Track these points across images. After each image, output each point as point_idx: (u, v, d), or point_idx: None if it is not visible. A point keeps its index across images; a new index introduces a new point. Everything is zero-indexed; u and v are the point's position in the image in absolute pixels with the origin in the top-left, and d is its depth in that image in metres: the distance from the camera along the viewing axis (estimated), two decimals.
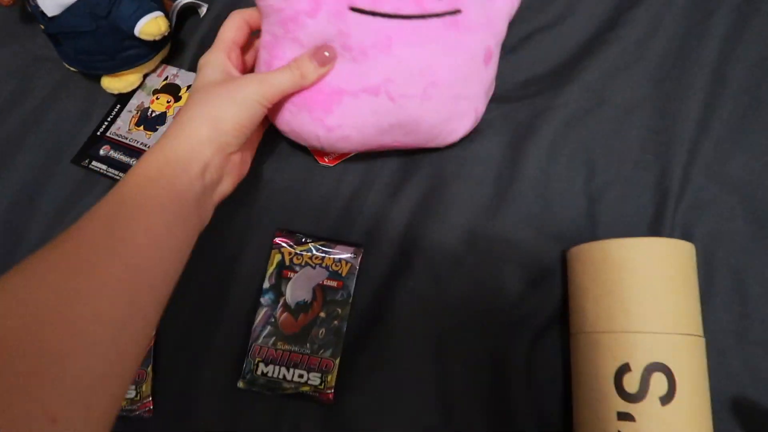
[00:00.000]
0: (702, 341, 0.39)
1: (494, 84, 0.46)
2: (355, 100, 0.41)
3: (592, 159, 0.49)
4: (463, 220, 0.48)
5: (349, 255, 0.46)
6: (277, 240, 0.47)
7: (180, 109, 0.52)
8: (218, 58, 0.42)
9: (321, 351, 0.44)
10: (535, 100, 0.51)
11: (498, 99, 0.49)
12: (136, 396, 0.43)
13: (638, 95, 0.51)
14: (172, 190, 0.35)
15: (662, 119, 0.50)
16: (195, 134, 0.37)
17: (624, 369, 0.37)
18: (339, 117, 0.42)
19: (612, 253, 0.40)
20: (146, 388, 0.44)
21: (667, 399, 0.36)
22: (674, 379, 0.36)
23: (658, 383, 0.36)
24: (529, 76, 0.53)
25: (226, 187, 0.41)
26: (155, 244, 0.33)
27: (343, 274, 0.46)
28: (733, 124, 0.49)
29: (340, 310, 0.45)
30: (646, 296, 0.38)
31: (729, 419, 0.42)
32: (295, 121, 0.43)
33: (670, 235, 0.46)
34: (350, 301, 0.46)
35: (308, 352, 0.44)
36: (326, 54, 0.40)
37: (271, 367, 0.44)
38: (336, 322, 0.45)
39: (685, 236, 0.46)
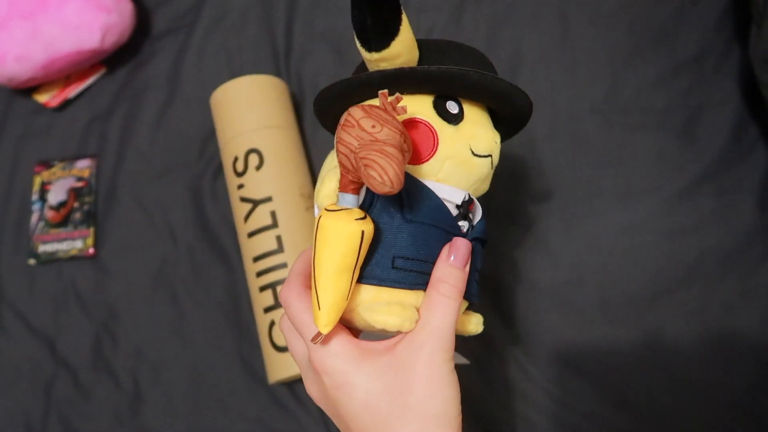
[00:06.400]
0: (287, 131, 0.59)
1: None
2: None
3: None
4: None
5: (87, 162, 0.67)
6: (37, 169, 0.67)
7: None
8: None
9: (79, 226, 0.64)
10: None
11: None
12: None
13: None
14: None
15: None
16: None
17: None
18: None
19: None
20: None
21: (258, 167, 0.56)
22: (262, 155, 0.56)
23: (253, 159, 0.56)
24: None
25: None
26: None
27: (86, 176, 0.66)
28: None
29: (87, 199, 0.65)
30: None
31: None
32: None
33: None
34: (93, 191, 0.66)
35: (70, 229, 0.64)
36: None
37: (47, 246, 0.65)
38: (86, 207, 0.65)
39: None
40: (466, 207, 0.33)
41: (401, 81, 0.31)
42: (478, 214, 0.34)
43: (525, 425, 0.52)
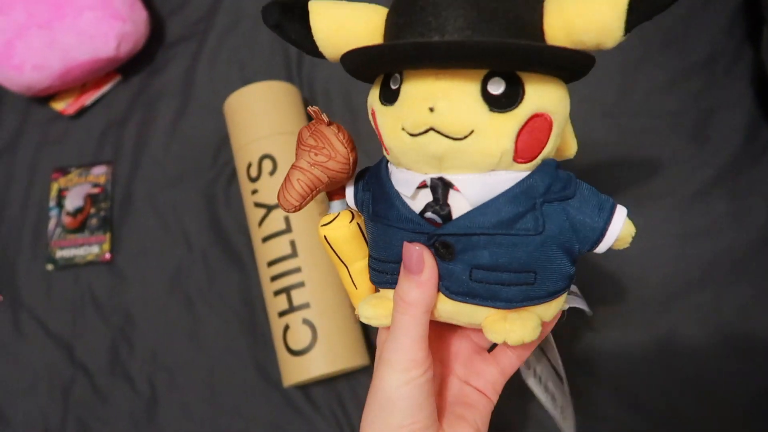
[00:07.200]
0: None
1: None
2: None
3: None
4: None
5: (103, 169, 0.68)
6: (54, 175, 0.68)
7: None
8: None
9: (96, 232, 0.65)
10: None
11: None
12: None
13: None
14: None
15: None
16: None
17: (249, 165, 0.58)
18: None
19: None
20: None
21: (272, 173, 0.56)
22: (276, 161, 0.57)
23: (267, 165, 0.57)
24: None
25: None
26: None
27: (102, 182, 0.67)
28: None
29: (103, 205, 0.66)
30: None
31: None
32: None
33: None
34: (109, 197, 0.67)
35: (87, 235, 0.65)
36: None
37: (65, 251, 0.65)
38: (102, 212, 0.66)
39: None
40: (440, 193, 0.26)
41: (360, 65, 0.28)
42: (461, 199, 0.26)
43: (538, 428, 0.53)
